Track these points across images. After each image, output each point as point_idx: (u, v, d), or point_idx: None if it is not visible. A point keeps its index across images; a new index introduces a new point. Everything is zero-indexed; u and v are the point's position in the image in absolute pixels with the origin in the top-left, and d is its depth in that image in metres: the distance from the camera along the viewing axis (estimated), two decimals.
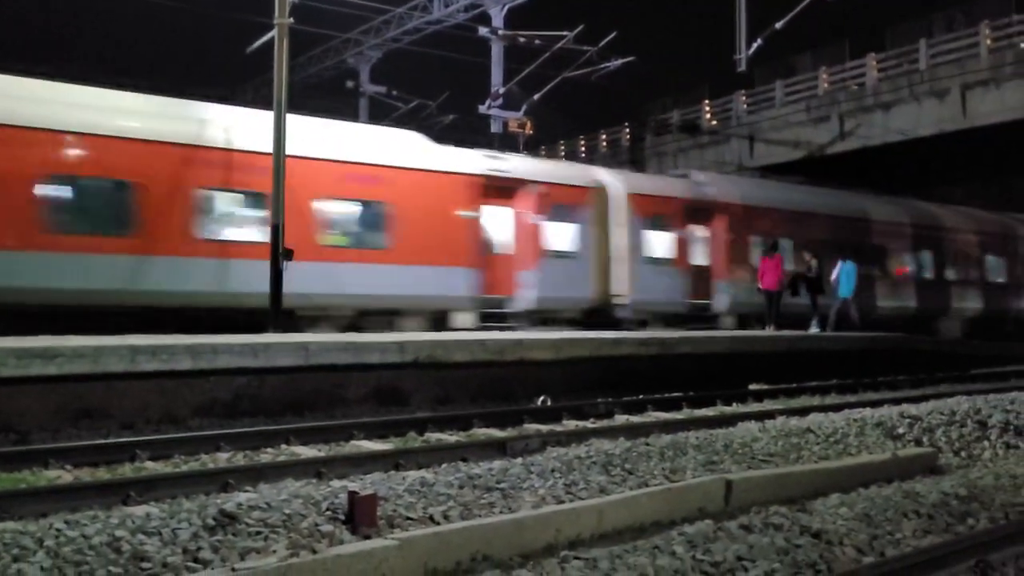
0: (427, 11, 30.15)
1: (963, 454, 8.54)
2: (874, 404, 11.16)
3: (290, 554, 4.39)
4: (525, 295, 17.28)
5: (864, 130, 27.07)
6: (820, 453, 7.96)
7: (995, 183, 40.60)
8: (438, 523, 5.28)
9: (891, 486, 6.75)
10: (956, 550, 4.85)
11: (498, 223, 17.24)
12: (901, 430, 8.96)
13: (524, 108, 27.74)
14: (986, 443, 8.84)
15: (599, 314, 18.35)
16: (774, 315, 18.37)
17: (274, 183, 13.58)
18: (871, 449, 8.24)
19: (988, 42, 24.52)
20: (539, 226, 17.66)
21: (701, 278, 20.11)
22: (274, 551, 4.54)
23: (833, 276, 19.37)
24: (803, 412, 10.43)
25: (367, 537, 4.89)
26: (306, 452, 8.29)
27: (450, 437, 9.32)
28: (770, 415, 10.28)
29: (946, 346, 19.96)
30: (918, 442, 8.68)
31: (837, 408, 11.04)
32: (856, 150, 27.66)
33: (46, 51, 36.84)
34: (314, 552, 4.46)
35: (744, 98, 31.36)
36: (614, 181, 19.43)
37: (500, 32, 27.65)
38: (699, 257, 20.27)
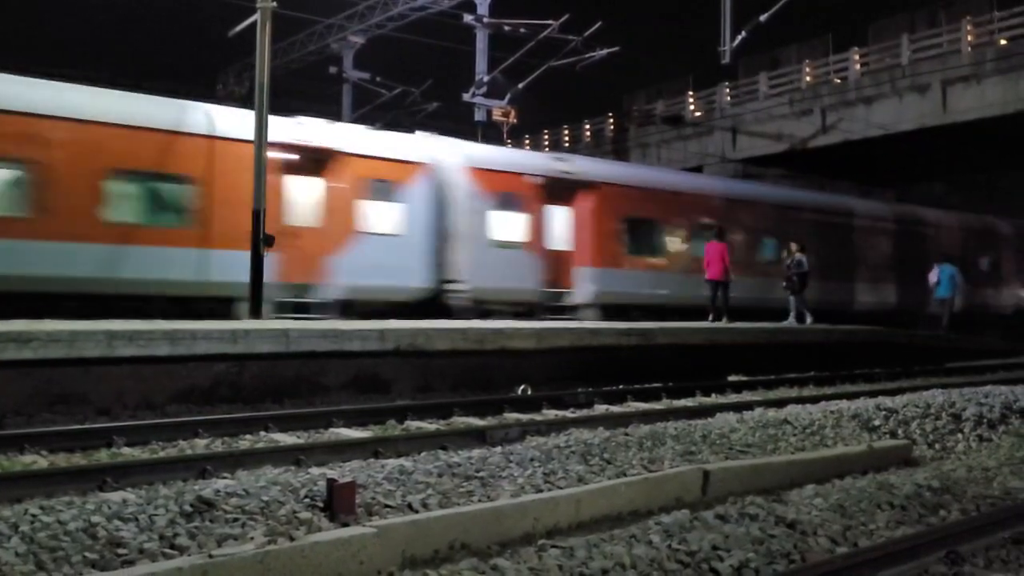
0: None
1: (937, 446, 8.65)
2: (851, 396, 11.27)
3: (268, 541, 4.39)
4: (335, 282, 15.46)
5: (846, 124, 27.22)
6: (797, 444, 8.03)
7: (979, 179, 40.98)
8: (417, 511, 5.28)
9: (866, 477, 6.84)
10: (927, 541, 4.91)
11: (304, 201, 15.47)
12: (877, 422, 9.06)
13: (508, 97, 27.66)
14: (960, 436, 8.96)
15: (431, 303, 16.46)
16: (723, 308, 17.50)
17: (256, 171, 13.48)
18: (847, 441, 8.33)
19: (969, 38, 24.69)
20: (354, 204, 15.85)
21: (559, 264, 18.39)
22: (251, 538, 4.53)
23: (933, 279, 20.75)
24: (781, 403, 10.51)
25: (345, 524, 4.89)
26: (285, 439, 8.26)
27: (430, 425, 9.32)
28: (748, 406, 10.35)
29: (921, 339, 20.18)
30: (893, 434, 8.78)
31: (814, 400, 11.16)
32: (838, 144, 27.81)
33: (12, 34, 36.25)
34: (292, 539, 4.45)
35: (728, 90, 31.43)
36: (452, 154, 17.46)
37: (485, 20, 27.53)
38: (557, 241, 18.56)
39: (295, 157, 15.24)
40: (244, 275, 13.33)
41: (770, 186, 26.49)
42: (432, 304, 16.39)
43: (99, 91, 14.66)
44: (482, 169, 17.60)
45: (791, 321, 18.53)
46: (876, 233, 25.81)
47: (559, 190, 18.62)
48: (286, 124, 15.47)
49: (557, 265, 18.43)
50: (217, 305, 14.02)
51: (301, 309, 14.91)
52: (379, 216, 16.09)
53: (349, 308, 15.38)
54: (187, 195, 14.22)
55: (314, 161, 15.47)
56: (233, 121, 14.95)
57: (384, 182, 16.22)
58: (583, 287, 18.69)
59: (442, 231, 16.84)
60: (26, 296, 12.35)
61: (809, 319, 18.28)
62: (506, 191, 17.77)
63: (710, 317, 17.48)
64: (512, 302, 17.61)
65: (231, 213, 14.12)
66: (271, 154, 14.07)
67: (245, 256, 13.38)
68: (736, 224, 21.06)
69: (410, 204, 16.51)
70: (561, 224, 18.77)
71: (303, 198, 15.38)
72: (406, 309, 15.54)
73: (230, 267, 13.87)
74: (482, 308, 16.95)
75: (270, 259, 13.82)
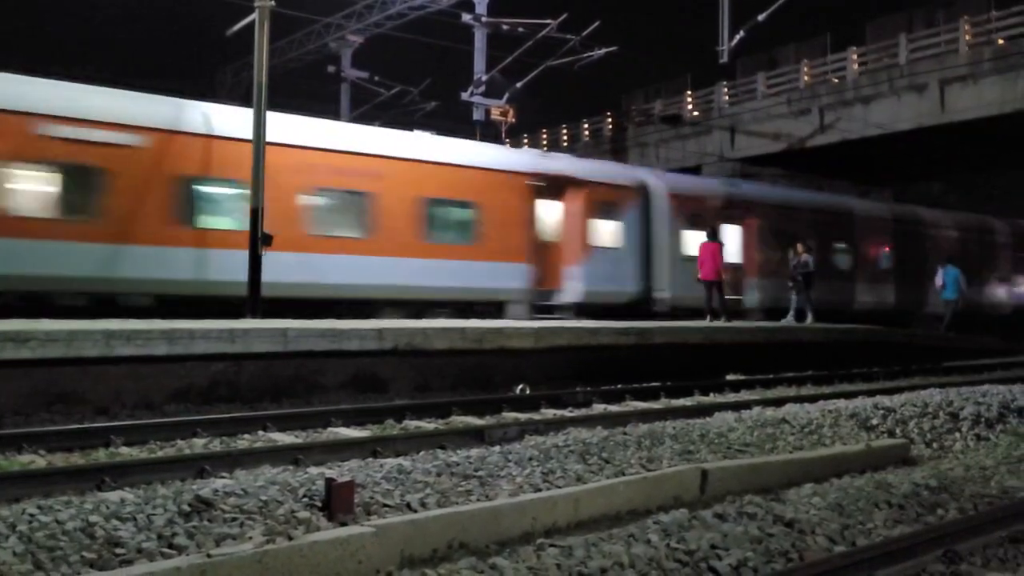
0: None
1: (935, 445, 8.67)
2: (849, 395, 11.29)
3: (266, 540, 4.39)
4: (572, 287, 18.26)
5: (844, 123, 27.23)
6: (795, 443, 8.04)
7: (977, 178, 40.95)
8: (415, 510, 5.28)
9: (864, 476, 6.85)
10: (925, 540, 4.91)
11: (550, 220, 18.28)
12: (875, 421, 9.07)
13: (506, 96, 27.65)
14: (957, 435, 8.97)
15: (639, 307, 19.23)
16: (719, 308, 17.60)
17: (253, 170, 13.48)
18: (845, 440, 8.34)
19: (967, 38, 24.70)
20: (587, 223, 18.69)
21: (734, 275, 20.88)
22: (250, 537, 4.53)
23: (939, 282, 21.42)
24: (779, 403, 10.52)
25: (344, 524, 4.89)
26: (283, 439, 8.26)
27: (428, 425, 9.33)
28: (746, 405, 10.36)
29: (920, 339, 20.20)
30: (891, 433, 8.79)
31: (812, 399, 11.17)
32: (836, 143, 27.82)
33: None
34: (290, 538, 4.45)
35: (726, 90, 31.42)
36: (655, 181, 20.61)
37: (483, 19, 27.52)
38: (732, 255, 20.89)
39: (542, 184, 18.16)
40: (514, 282, 17.16)
41: (889, 203, 28.96)
42: (641, 307, 19.35)
43: (417, 135, 17.85)
44: (675, 194, 20.58)
45: (790, 319, 18.57)
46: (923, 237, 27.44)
47: (732, 211, 21.70)
48: (534, 155, 19.06)
49: (732, 276, 20.80)
50: (489, 308, 16.93)
51: (547, 311, 17.72)
52: (604, 232, 19.10)
53: (580, 310, 18.21)
54: (471, 217, 17.00)
55: (556, 187, 18.43)
56: (502, 155, 18.41)
57: (608, 203, 19.24)
58: (751, 295, 21.60)
59: (648, 246, 19.88)
60: (357, 303, 14.90)
61: (810, 318, 18.36)
62: (694, 212, 20.69)
63: (708, 318, 17.56)
64: (699, 309, 19.80)
65: (502, 231, 17.14)
66: (528, 182, 17.74)
67: (515, 267, 17.13)
68: (866, 236, 24.68)
69: (626, 223, 19.53)
70: (734, 240, 21.41)
71: (548, 217, 18.40)
72: (621, 311, 18.43)
73: (504, 276, 17.07)
74: (676, 313, 19.58)
75: (526, 270, 17.45)
